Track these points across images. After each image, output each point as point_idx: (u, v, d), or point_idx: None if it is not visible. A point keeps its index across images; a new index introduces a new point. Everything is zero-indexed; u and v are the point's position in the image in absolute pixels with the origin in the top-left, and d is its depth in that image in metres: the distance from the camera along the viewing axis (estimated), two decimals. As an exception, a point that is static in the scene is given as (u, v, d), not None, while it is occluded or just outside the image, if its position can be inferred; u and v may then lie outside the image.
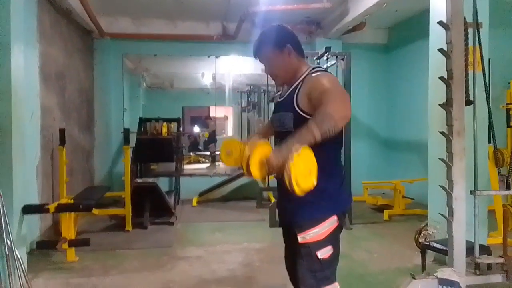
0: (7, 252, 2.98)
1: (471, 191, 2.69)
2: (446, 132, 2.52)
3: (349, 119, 1.60)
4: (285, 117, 1.78)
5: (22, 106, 3.37)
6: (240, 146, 1.87)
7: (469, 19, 2.63)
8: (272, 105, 6.41)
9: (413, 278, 2.52)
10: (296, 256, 1.78)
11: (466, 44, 2.55)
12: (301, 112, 1.72)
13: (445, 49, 2.50)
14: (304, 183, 1.41)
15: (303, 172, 1.40)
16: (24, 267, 3.10)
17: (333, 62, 5.64)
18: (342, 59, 5.43)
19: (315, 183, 1.46)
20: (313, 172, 1.45)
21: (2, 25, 3.06)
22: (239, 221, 5.76)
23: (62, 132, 4.67)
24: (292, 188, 1.39)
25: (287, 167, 1.37)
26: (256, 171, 1.50)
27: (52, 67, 5.00)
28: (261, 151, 1.50)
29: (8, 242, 2.98)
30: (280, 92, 1.95)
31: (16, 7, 3.18)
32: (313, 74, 1.76)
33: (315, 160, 1.46)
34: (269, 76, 1.95)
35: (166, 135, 6.71)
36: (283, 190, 1.83)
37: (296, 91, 1.77)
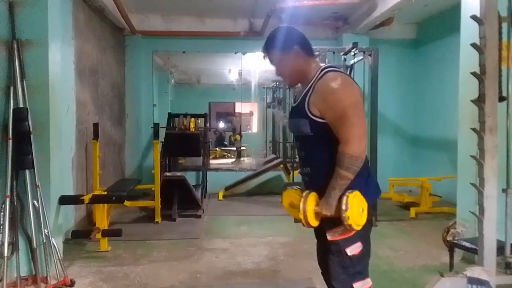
0: (44, 241, 3.13)
1: (503, 189, 2.63)
2: (477, 128, 2.48)
3: (365, 130, 1.72)
4: (300, 123, 1.81)
5: (58, 100, 3.47)
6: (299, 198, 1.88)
7: (503, 13, 2.57)
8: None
9: (442, 276, 2.50)
10: (327, 252, 1.81)
11: (500, 39, 2.49)
12: (315, 118, 1.74)
13: (478, 44, 2.46)
14: (361, 221, 1.67)
15: (358, 213, 1.65)
16: (60, 255, 3.23)
17: (360, 58, 5.59)
18: (370, 55, 5.37)
19: (367, 217, 1.69)
20: (365, 209, 1.68)
21: (40, 23, 3.16)
22: (264, 215, 5.82)
23: (96, 126, 4.84)
24: (353, 229, 1.66)
25: (344, 216, 1.62)
26: (314, 223, 1.73)
27: (86, 63, 5.18)
28: (311, 204, 1.72)
29: (46, 231, 3.13)
30: (295, 94, 1.99)
31: (52, 5, 3.27)
32: (319, 80, 1.76)
33: (363, 198, 1.67)
34: (279, 76, 1.98)
35: (193, 130, 6.83)
36: (310, 187, 1.86)
37: (307, 98, 1.77)
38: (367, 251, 1.81)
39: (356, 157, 1.65)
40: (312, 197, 1.72)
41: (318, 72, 1.80)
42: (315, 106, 1.73)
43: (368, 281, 1.81)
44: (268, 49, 1.90)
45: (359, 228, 1.65)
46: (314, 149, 1.82)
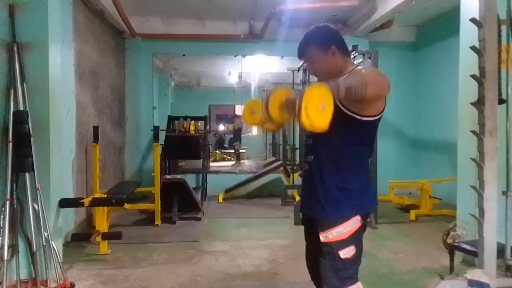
0: (44, 244, 3.12)
1: (503, 192, 2.64)
2: (477, 131, 2.49)
3: (382, 93, 1.60)
4: None
5: (58, 102, 3.46)
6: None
7: (502, 16, 2.58)
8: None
9: (442, 278, 2.50)
10: (318, 255, 1.78)
11: (499, 42, 2.50)
12: (338, 104, 1.59)
13: (477, 46, 2.47)
14: (315, 117, 1.38)
15: (315, 104, 1.37)
16: (59, 258, 3.22)
17: (360, 60, 5.60)
18: (369, 58, 5.38)
19: (327, 123, 1.41)
20: (328, 110, 1.40)
21: (40, 25, 3.16)
22: (264, 217, 5.81)
23: (96, 129, 4.85)
24: (302, 120, 1.37)
25: (299, 99, 1.36)
26: (274, 110, 1.49)
27: (86, 65, 5.19)
28: (281, 93, 1.50)
29: (45, 234, 3.12)
30: None
31: (52, 8, 3.27)
32: (358, 68, 1.77)
33: (331, 99, 1.41)
34: (312, 75, 1.95)
35: (193, 133, 6.83)
36: (307, 188, 1.86)
37: None
38: (359, 255, 1.77)
39: (365, 80, 1.49)
40: (285, 89, 1.53)
41: (351, 69, 1.81)
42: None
43: (359, 285, 1.78)
44: (304, 49, 1.87)
45: (308, 122, 1.38)
46: (322, 139, 1.75)
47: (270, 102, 1.49)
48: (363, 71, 1.70)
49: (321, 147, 1.80)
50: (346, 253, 1.71)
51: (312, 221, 1.85)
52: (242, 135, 12.01)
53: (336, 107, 1.57)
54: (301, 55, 1.89)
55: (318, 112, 1.38)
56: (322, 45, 1.81)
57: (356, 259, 1.76)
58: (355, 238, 1.73)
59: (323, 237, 1.74)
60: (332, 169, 1.74)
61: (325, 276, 1.76)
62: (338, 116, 1.64)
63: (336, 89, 1.46)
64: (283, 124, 1.67)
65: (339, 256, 1.71)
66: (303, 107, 1.35)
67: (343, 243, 1.71)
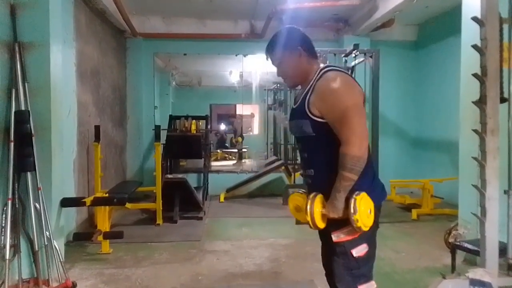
0: (46, 243, 3.13)
1: (504, 191, 2.64)
2: (479, 130, 2.48)
3: (367, 140, 1.70)
4: (301, 124, 1.78)
5: (60, 102, 3.48)
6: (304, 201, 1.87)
7: (504, 14, 2.57)
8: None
9: (444, 277, 2.50)
10: (332, 254, 1.79)
11: (501, 40, 2.50)
12: (316, 119, 1.73)
13: (479, 45, 2.46)
14: (369, 222, 1.66)
15: (366, 214, 1.64)
16: (61, 257, 3.23)
17: (361, 59, 5.60)
18: (371, 57, 5.38)
19: (373, 218, 1.68)
20: (372, 209, 1.68)
21: (41, 25, 3.17)
22: (265, 217, 5.81)
23: (97, 128, 4.85)
24: (362, 231, 1.65)
25: (353, 219, 1.61)
26: (321, 225, 1.71)
27: (87, 65, 5.20)
28: (318, 207, 1.70)
29: (47, 233, 3.13)
30: (295, 96, 1.98)
31: (54, 8, 3.28)
32: (319, 80, 1.75)
33: (370, 199, 1.66)
34: (279, 77, 1.96)
35: (195, 132, 6.83)
36: (313, 189, 1.85)
37: (307, 98, 1.76)
38: (372, 253, 1.79)
39: (358, 157, 1.63)
40: (319, 199, 1.70)
41: (318, 72, 1.80)
42: (314, 106, 1.72)
43: (373, 284, 1.80)
44: (271, 50, 1.89)
45: (367, 229, 1.64)
46: (317, 150, 1.81)
47: (315, 220, 1.69)
48: (334, 103, 1.68)
49: (318, 159, 1.82)
50: (359, 251, 1.72)
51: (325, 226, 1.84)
52: (243, 134, 12.00)
53: (315, 122, 1.74)
54: (268, 56, 1.92)
55: (369, 217, 1.67)
56: (289, 47, 1.83)
57: (369, 257, 1.78)
58: (368, 236, 1.74)
59: (335, 236, 1.73)
60: (335, 173, 1.73)
61: (338, 274, 1.77)
62: (321, 127, 1.73)
63: (352, 183, 1.66)
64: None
65: (352, 255, 1.72)
66: (363, 228, 1.64)
67: (355, 242, 1.72)
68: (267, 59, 1.94)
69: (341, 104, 1.66)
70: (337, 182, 1.66)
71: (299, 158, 1.95)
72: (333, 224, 1.73)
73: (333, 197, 1.67)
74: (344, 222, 1.70)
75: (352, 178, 1.64)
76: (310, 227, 1.71)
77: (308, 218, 1.67)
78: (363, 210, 1.62)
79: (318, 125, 1.73)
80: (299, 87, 1.95)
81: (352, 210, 1.60)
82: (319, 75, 1.77)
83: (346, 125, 1.65)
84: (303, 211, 1.75)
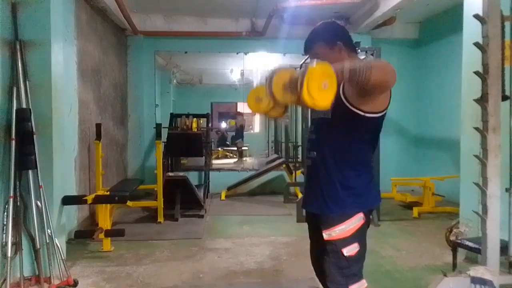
0: (47, 241, 3.14)
1: (506, 189, 2.63)
2: (480, 128, 2.48)
3: (386, 80, 1.52)
4: None
5: (61, 100, 3.48)
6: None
7: (506, 12, 2.56)
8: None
9: (445, 275, 2.50)
10: (322, 253, 1.78)
11: (503, 38, 2.49)
12: (342, 97, 1.66)
13: (480, 43, 2.46)
14: (318, 95, 1.33)
15: (317, 82, 1.32)
16: (63, 255, 3.24)
17: (362, 57, 5.59)
18: (372, 55, 5.37)
19: (329, 101, 1.37)
20: (330, 88, 1.35)
21: (42, 23, 3.17)
22: (266, 215, 5.82)
23: (98, 126, 4.86)
24: (303, 98, 1.32)
25: (301, 76, 1.31)
26: (278, 90, 1.40)
27: (88, 63, 5.20)
28: (284, 73, 1.41)
29: (49, 231, 3.14)
30: None
31: (55, 6, 3.28)
32: None
33: (334, 77, 1.36)
34: None
35: (196, 130, 6.84)
36: (310, 184, 1.86)
37: (343, 83, 1.67)
38: (363, 252, 1.77)
39: (371, 65, 1.46)
40: (289, 69, 1.44)
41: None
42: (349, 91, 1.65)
43: (364, 283, 1.78)
44: (311, 45, 1.86)
45: (310, 100, 1.33)
46: (327, 135, 1.79)
47: (273, 82, 1.40)
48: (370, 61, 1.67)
49: (324, 143, 1.80)
50: (350, 250, 1.71)
51: (316, 218, 1.85)
52: (244, 132, 12.01)
53: (340, 102, 1.63)
54: (307, 50, 1.87)
55: (320, 90, 1.33)
56: (329, 41, 1.80)
57: (360, 257, 1.76)
58: (359, 236, 1.73)
59: (326, 235, 1.73)
60: (335, 166, 1.74)
61: (329, 273, 1.76)
62: (342, 112, 1.68)
63: (340, 70, 1.42)
64: (287, 108, 1.63)
65: (343, 254, 1.71)
66: (305, 85, 1.30)
67: (347, 241, 1.71)
68: (305, 53, 1.89)
69: (374, 63, 1.62)
70: (348, 62, 1.49)
71: (300, 156, 1.93)
72: (325, 223, 1.74)
73: (343, 63, 1.48)
74: (336, 220, 1.72)
75: (344, 65, 1.45)
76: (305, 102, 1.35)
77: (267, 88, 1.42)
78: (318, 74, 1.33)
79: (339, 107, 1.64)
80: None
81: (306, 68, 1.33)
82: None
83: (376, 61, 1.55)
84: (263, 101, 1.55)
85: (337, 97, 1.62)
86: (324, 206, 1.78)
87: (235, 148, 11.75)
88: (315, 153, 1.83)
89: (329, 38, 1.81)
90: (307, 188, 1.96)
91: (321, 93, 1.34)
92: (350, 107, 1.67)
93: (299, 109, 7.32)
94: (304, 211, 2.05)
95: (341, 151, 1.72)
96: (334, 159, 1.74)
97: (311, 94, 1.32)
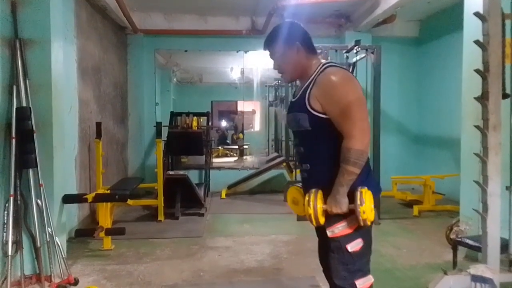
0: (48, 239, 3.14)
1: (506, 187, 2.63)
2: (481, 126, 2.47)
3: (369, 134, 1.72)
4: (299, 117, 1.79)
5: (61, 99, 3.48)
6: (302, 195, 1.92)
7: (506, 10, 2.56)
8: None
9: (445, 273, 2.50)
10: (327, 249, 1.79)
11: (503, 36, 2.48)
12: (314, 113, 1.73)
13: (481, 41, 2.45)
14: (372, 216, 1.67)
15: (371, 208, 1.66)
16: (63, 253, 3.25)
17: (363, 55, 5.58)
18: (372, 53, 5.36)
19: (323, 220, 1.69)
20: (373, 204, 1.68)
21: (42, 22, 3.17)
22: (266, 213, 5.82)
23: (98, 125, 4.85)
24: (366, 224, 1.66)
25: (359, 211, 1.62)
26: (322, 221, 1.71)
27: (88, 61, 5.19)
28: (319, 202, 1.69)
29: (49, 230, 3.15)
30: (294, 90, 1.98)
31: (55, 4, 3.28)
32: (321, 74, 1.75)
33: (371, 195, 1.67)
34: (276, 70, 1.97)
35: (196, 129, 6.84)
36: (309, 183, 1.86)
37: (308, 91, 1.76)
38: (368, 247, 1.80)
39: (362, 151, 1.64)
40: (320, 195, 1.70)
41: (320, 67, 1.80)
42: (316, 100, 1.72)
43: (370, 278, 1.80)
44: (269, 43, 1.90)
45: (369, 223, 1.66)
46: (313, 145, 1.81)
47: (287, 197, 1.78)
48: (337, 97, 1.68)
49: (314, 153, 1.82)
50: (354, 246, 1.73)
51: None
52: (245, 130, 12.00)
53: (312, 116, 1.74)
54: (266, 48, 1.93)
55: (372, 211, 1.67)
56: (287, 41, 1.84)
57: (364, 252, 1.78)
58: (362, 231, 1.74)
59: (329, 232, 1.74)
60: (331, 168, 1.74)
61: (334, 269, 1.77)
62: (319, 122, 1.73)
63: (354, 177, 1.67)
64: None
65: (347, 250, 1.72)
66: (368, 221, 1.66)
67: (350, 237, 1.73)
68: (264, 50, 1.94)
69: (344, 98, 1.67)
70: (340, 177, 1.66)
71: (296, 153, 1.96)
72: (328, 219, 1.74)
73: (336, 191, 1.68)
74: (338, 217, 1.72)
75: (355, 172, 1.65)
76: (312, 222, 1.71)
77: (311, 213, 1.67)
78: (368, 202, 1.63)
79: (316, 120, 1.74)
80: (298, 82, 1.96)
81: (358, 202, 1.62)
82: (320, 70, 1.78)
83: (349, 119, 1.66)
84: (300, 205, 1.83)
85: (308, 112, 1.74)
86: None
87: (236, 147, 11.75)
88: (308, 165, 1.85)
89: (287, 38, 1.84)
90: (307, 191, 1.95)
91: (373, 213, 1.67)
92: (320, 115, 1.73)
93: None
94: None
95: (332, 156, 1.72)
96: (328, 166, 1.74)
97: (370, 219, 1.66)
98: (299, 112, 1.78)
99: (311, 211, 1.67)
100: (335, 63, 1.85)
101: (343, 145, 1.66)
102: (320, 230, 1.89)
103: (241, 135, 11.43)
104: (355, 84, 1.74)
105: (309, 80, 1.79)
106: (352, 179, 1.66)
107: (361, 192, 1.63)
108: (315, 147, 1.81)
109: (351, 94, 1.68)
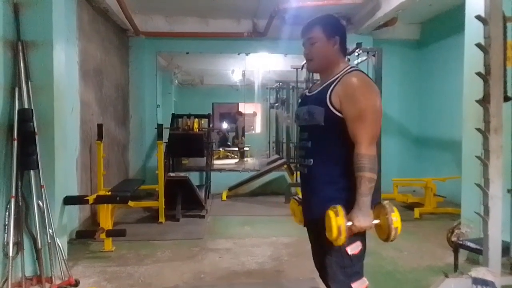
0: (49, 241, 3.14)
1: (508, 190, 2.63)
2: (482, 129, 2.47)
3: (378, 123, 1.75)
4: (315, 110, 1.78)
5: (63, 100, 3.49)
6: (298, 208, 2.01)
7: (508, 13, 2.56)
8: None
9: (446, 276, 2.49)
10: (325, 253, 1.78)
11: (505, 39, 2.48)
12: (333, 109, 1.73)
13: (482, 43, 2.45)
14: (400, 224, 1.66)
15: (398, 217, 1.65)
16: (64, 255, 3.25)
17: (364, 58, 5.59)
18: (373, 55, 5.37)
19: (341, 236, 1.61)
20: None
21: (44, 24, 3.18)
22: (267, 215, 5.81)
23: (100, 127, 4.87)
24: (395, 237, 1.65)
25: (391, 219, 1.63)
26: (344, 239, 1.62)
27: (90, 63, 5.21)
28: (341, 220, 1.59)
29: (50, 231, 3.14)
30: (307, 89, 1.97)
31: (57, 6, 3.28)
32: (347, 74, 1.75)
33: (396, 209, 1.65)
34: (305, 58, 1.93)
35: (197, 131, 6.84)
36: (308, 191, 1.85)
37: (331, 87, 1.75)
38: (364, 250, 1.79)
39: (374, 156, 1.65)
40: (342, 211, 1.61)
41: (347, 68, 1.81)
42: (337, 97, 1.72)
43: (365, 280, 1.78)
44: (310, 27, 1.86)
45: (399, 233, 1.67)
46: (322, 141, 1.80)
47: (345, 235, 1.63)
48: (357, 100, 1.68)
49: (321, 150, 1.81)
50: (354, 249, 1.72)
51: (317, 220, 1.80)
52: (246, 133, 12.01)
53: (329, 112, 1.73)
54: (304, 32, 1.89)
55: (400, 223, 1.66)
56: (328, 31, 1.83)
57: (362, 255, 1.78)
58: (361, 234, 1.74)
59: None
60: (334, 171, 1.74)
61: (331, 273, 1.76)
62: (333, 120, 1.73)
63: (373, 183, 1.65)
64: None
65: (347, 253, 1.71)
66: (397, 235, 1.66)
67: (351, 240, 1.71)
68: (302, 35, 1.91)
69: (363, 101, 1.68)
70: (362, 187, 1.64)
71: (299, 148, 1.95)
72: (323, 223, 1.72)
73: (361, 203, 1.64)
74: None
75: (374, 178, 1.64)
76: (336, 243, 1.62)
77: (335, 234, 1.58)
78: (396, 211, 1.64)
79: (331, 116, 1.73)
80: (314, 77, 1.97)
81: (389, 208, 1.64)
82: (347, 71, 1.78)
83: (362, 124, 1.67)
84: (297, 215, 1.92)
85: (326, 107, 1.73)
86: (326, 208, 1.76)
87: (236, 149, 11.75)
88: (311, 160, 1.83)
89: (329, 28, 1.84)
90: (305, 195, 1.94)
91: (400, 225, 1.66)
92: (337, 112, 1.73)
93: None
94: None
95: (338, 156, 1.73)
96: (332, 165, 1.75)
97: (399, 232, 1.66)
98: (316, 106, 1.78)
99: (334, 232, 1.58)
100: (359, 69, 1.86)
101: (356, 152, 1.66)
102: (314, 235, 1.90)
103: (243, 138, 11.43)
104: (377, 93, 1.76)
105: (334, 78, 1.79)
106: (372, 187, 1.65)
107: (390, 205, 1.65)
108: (323, 144, 1.80)
109: (370, 100, 1.69)
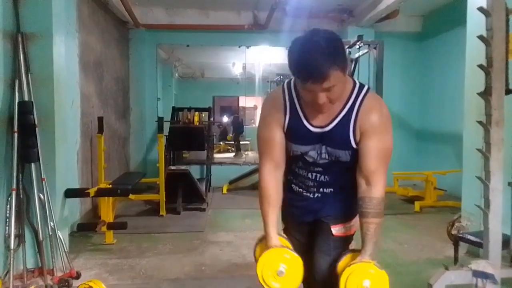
0: (50, 234, 3.14)
1: (508, 183, 2.62)
2: (484, 121, 2.46)
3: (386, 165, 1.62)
4: (340, 154, 1.58)
5: (63, 93, 3.47)
6: (298, 262, 1.61)
7: (510, 5, 2.54)
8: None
9: (446, 269, 2.49)
10: (323, 251, 1.73)
11: (507, 31, 2.46)
12: (356, 146, 1.56)
13: (484, 36, 2.43)
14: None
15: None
16: (65, 247, 3.25)
17: (365, 51, 5.56)
18: (375, 48, 5.35)
19: None
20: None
21: (44, 16, 3.15)
22: (268, 209, 5.81)
23: (100, 120, 4.86)
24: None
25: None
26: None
27: (90, 56, 5.19)
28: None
29: (51, 224, 3.14)
30: (304, 118, 1.59)
31: (57, -3, 3.28)
32: (365, 101, 1.52)
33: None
34: (319, 107, 1.49)
35: (197, 124, 6.84)
36: (323, 202, 1.75)
37: (351, 123, 1.53)
38: None
39: (384, 198, 1.57)
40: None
41: (357, 90, 1.54)
42: (359, 130, 1.52)
43: None
44: (326, 72, 1.33)
45: None
46: (342, 173, 1.67)
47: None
48: (381, 139, 1.53)
49: (342, 179, 1.69)
50: (355, 246, 1.74)
51: (319, 218, 1.77)
52: (245, 126, 11.99)
53: (354, 151, 1.58)
54: (317, 79, 1.35)
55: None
56: (343, 64, 1.39)
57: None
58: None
59: (335, 230, 1.71)
60: (351, 190, 1.67)
61: (322, 268, 1.71)
62: (356, 154, 1.60)
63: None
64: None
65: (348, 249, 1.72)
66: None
67: (351, 238, 1.77)
68: (312, 83, 1.37)
69: (388, 141, 1.56)
70: (375, 234, 1.59)
71: (310, 180, 1.72)
72: (334, 219, 1.71)
73: (372, 248, 1.63)
74: (344, 218, 1.72)
75: (379, 223, 1.60)
76: None
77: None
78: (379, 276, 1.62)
79: (355, 153, 1.58)
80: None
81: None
82: (361, 94, 1.54)
83: (380, 165, 1.54)
84: (288, 275, 1.56)
85: (352, 149, 1.57)
86: (329, 207, 1.74)
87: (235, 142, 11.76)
88: (331, 189, 1.72)
89: (343, 59, 1.39)
90: (307, 202, 1.82)
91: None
92: (356, 146, 1.58)
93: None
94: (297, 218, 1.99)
95: (352, 185, 1.65)
96: (350, 188, 1.66)
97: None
98: (341, 150, 1.57)
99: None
100: (365, 86, 1.60)
101: (373, 195, 1.53)
102: (321, 231, 1.78)
103: (229, 137, 11.41)
104: (389, 123, 1.60)
105: (349, 106, 1.52)
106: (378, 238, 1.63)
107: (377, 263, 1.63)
108: (343, 175, 1.67)
109: (391, 136, 1.58)
